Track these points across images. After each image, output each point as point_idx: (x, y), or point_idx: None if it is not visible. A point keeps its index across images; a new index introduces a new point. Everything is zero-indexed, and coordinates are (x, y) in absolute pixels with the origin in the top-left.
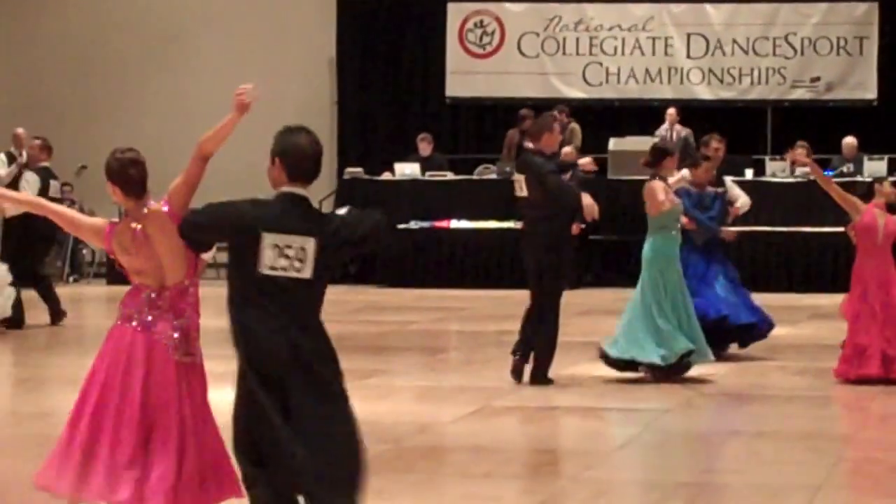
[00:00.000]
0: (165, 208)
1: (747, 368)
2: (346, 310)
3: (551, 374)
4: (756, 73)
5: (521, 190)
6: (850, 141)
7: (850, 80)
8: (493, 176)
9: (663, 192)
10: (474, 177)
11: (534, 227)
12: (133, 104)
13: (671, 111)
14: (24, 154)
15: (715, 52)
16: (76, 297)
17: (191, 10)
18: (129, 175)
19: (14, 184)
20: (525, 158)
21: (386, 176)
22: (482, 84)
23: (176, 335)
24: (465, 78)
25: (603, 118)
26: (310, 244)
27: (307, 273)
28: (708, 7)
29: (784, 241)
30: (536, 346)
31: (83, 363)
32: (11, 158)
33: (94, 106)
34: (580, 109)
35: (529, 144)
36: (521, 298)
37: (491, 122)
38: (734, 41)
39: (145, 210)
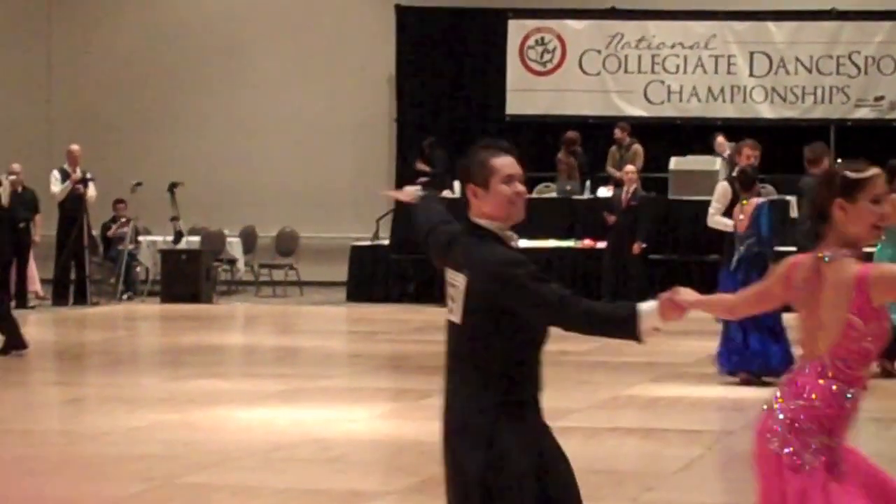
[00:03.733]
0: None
1: None
2: (404, 329)
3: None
4: (819, 91)
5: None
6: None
7: None
8: (554, 195)
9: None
10: (534, 195)
11: None
12: (190, 121)
13: (720, 140)
14: (78, 171)
15: (778, 71)
16: (130, 315)
17: (249, 28)
18: None
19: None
20: None
21: (446, 194)
22: (543, 101)
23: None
24: (525, 95)
25: (664, 137)
26: (461, 281)
27: (457, 317)
28: (771, 25)
29: None
30: None
31: (137, 382)
32: (66, 175)
33: (150, 123)
34: (641, 128)
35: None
36: None
37: (552, 139)
38: (797, 59)
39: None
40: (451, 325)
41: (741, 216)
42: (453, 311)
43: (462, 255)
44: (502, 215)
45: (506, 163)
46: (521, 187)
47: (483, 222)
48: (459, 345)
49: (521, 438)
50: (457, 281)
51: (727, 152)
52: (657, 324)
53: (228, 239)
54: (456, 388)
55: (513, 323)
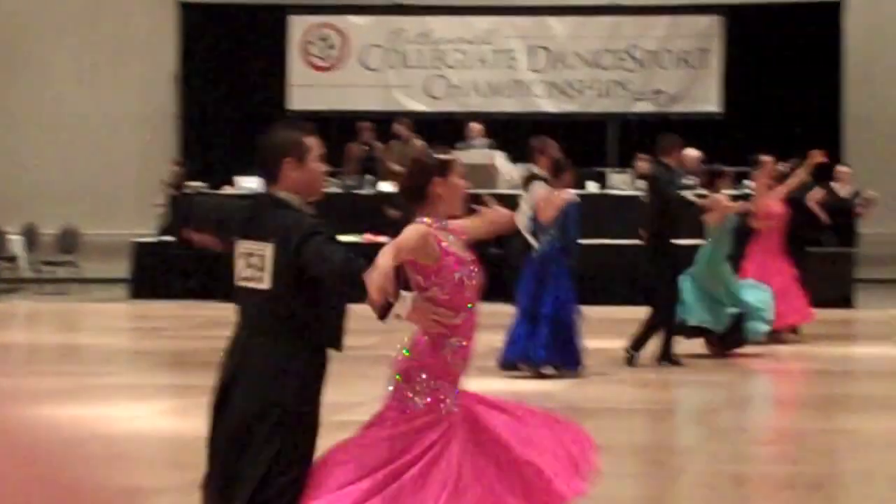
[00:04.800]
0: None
1: (589, 382)
2: (188, 325)
3: None
4: (599, 85)
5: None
6: (693, 153)
7: (694, 93)
8: (336, 190)
9: None
10: None
11: None
12: None
13: (476, 126)
14: None
15: (558, 65)
16: None
17: (30, 23)
18: None
19: None
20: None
21: (227, 190)
22: (325, 97)
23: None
24: (307, 91)
25: (446, 131)
26: (268, 249)
27: (266, 283)
28: (551, 20)
29: (628, 254)
30: None
31: None
32: None
33: None
34: (423, 122)
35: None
36: (362, 312)
37: (334, 135)
38: (577, 54)
39: None
40: (253, 292)
41: (547, 208)
42: (257, 278)
43: (268, 226)
44: (310, 190)
45: (316, 142)
46: (324, 166)
47: (284, 195)
48: (264, 308)
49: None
50: (262, 251)
51: (478, 139)
52: (402, 314)
53: (10, 236)
54: (254, 348)
55: (316, 288)
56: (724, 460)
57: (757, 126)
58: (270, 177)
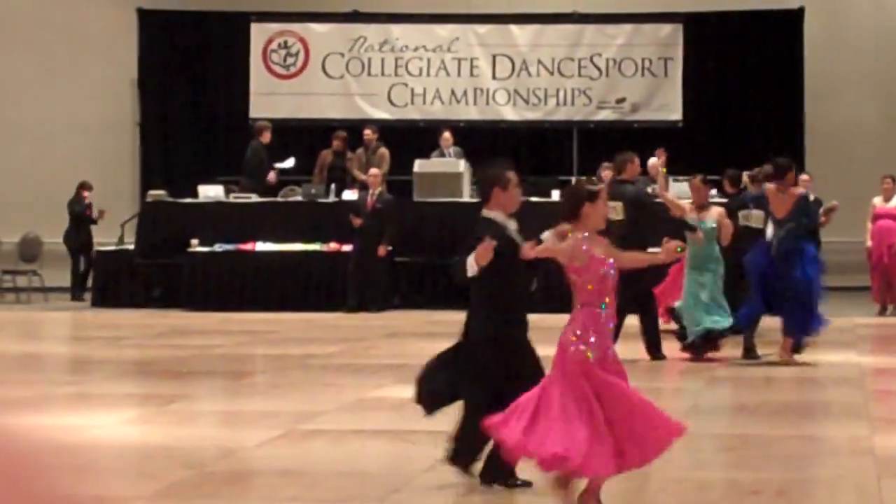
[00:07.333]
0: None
1: None
2: (148, 334)
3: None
4: (562, 94)
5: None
6: (655, 162)
7: (655, 101)
8: (299, 198)
9: None
10: (279, 199)
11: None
12: None
13: (446, 135)
14: None
15: (520, 73)
16: None
17: None
18: None
19: None
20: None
21: (188, 200)
22: (286, 105)
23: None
24: (269, 99)
25: (408, 139)
26: None
27: None
28: (513, 28)
29: None
30: None
31: None
32: None
33: None
34: (385, 130)
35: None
36: (326, 321)
37: (295, 143)
38: (539, 62)
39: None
40: None
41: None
42: None
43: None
44: (510, 207)
45: (514, 175)
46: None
47: (489, 213)
48: (474, 282)
49: (496, 342)
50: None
51: (451, 148)
52: (472, 272)
53: None
54: (471, 307)
55: (491, 268)
56: (689, 467)
57: (718, 134)
58: (485, 199)
